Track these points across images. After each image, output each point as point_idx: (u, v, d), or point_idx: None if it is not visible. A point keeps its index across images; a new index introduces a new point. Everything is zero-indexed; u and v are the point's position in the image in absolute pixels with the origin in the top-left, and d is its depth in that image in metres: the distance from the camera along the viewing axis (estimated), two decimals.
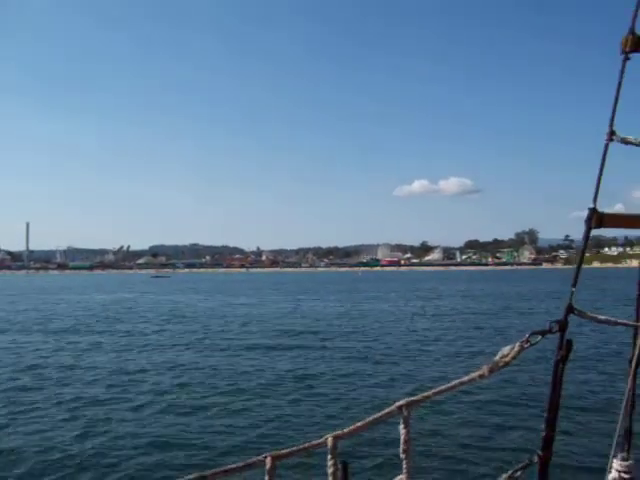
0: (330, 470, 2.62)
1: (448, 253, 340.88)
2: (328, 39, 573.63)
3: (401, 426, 2.66)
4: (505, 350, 2.61)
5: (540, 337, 2.63)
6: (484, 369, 2.60)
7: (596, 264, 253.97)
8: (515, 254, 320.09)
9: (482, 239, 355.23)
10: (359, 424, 2.65)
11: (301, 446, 2.62)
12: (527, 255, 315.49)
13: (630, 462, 3.14)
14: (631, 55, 2.53)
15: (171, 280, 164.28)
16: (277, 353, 26.67)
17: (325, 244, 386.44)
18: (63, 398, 17.79)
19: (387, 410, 2.65)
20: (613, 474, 3.10)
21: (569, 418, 14.03)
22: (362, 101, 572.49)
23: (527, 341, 2.62)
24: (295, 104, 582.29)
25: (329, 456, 2.62)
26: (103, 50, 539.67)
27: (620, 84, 2.53)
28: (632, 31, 2.50)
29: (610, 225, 2.64)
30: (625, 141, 2.58)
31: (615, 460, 3.14)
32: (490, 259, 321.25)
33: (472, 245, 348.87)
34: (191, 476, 2.46)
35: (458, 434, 13.77)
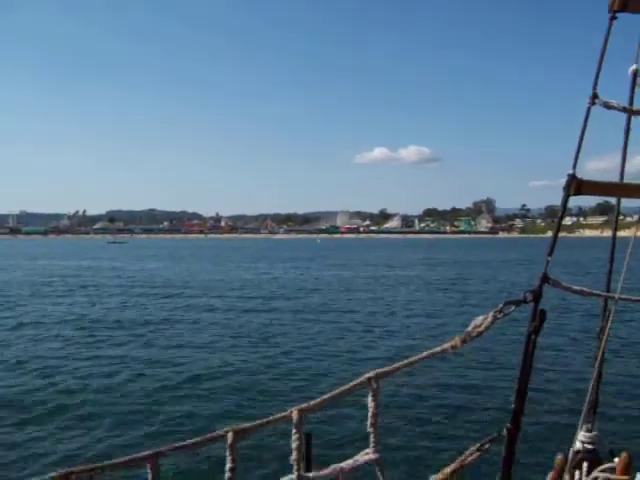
0: (295, 444, 2.51)
1: (407, 221, 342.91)
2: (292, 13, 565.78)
3: (369, 398, 2.57)
4: (478, 320, 2.53)
5: (514, 307, 2.55)
6: (456, 340, 2.51)
7: (550, 234, 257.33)
8: (473, 223, 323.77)
9: (440, 207, 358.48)
10: (326, 396, 2.55)
11: (265, 420, 2.51)
12: (484, 224, 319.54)
13: (594, 433, 3.13)
14: (618, 15, 2.41)
15: (129, 246, 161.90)
16: (239, 322, 26.56)
17: (285, 210, 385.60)
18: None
19: (355, 382, 2.55)
20: (577, 445, 3.09)
21: (539, 390, 13.95)
22: (324, 70, 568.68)
23: (500, 311, 2.54)
24: (257, 75, 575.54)
25: (294, 430, 2.51)
26: None
27: (605, 45, 2.41)
28: None
29: (588, 192, 2.55)
30: (607, 105, 2.48)
31: (580, 432, 3.12)
32: (448, 227, 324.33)
33: (431, 213, 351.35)
34: (146, 452, 2.33)
35: (427, 407, 13.65)
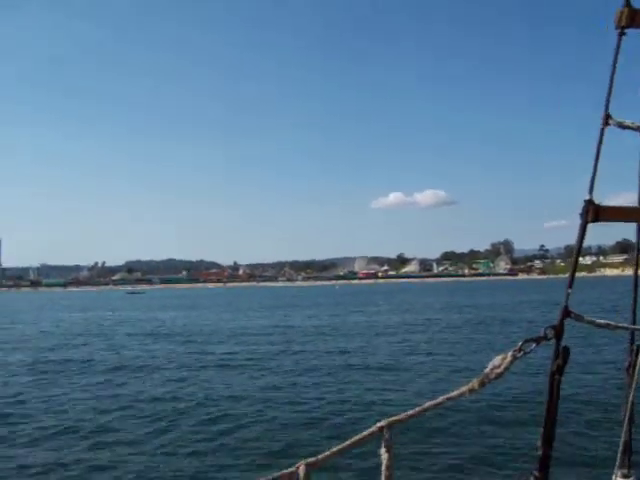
0: None
1: (425, 265, 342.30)
2: (299, 54, 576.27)
3: (382, 449, 2.38)
4: (496, 361, 2.35)
5: (534, 345, 2.37)
6: (474, 382, 2.33)
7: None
8: (491, 265, 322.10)
9: (458, 250, 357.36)
10: (334, 449, 2.36)
11: (268, 477, 2.31)
12: (503, 265, 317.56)
13: (631, 479, 2.92)
14: (627, 31, 2.28)
15: (146, 296, 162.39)
16: (254, 372, 26.17)
17: (303, 257, 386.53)
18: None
19: (366, 432, 2.36)
20: None
21: (567, 433, 13.42)
22: (336, 114, 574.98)
23: (520, 350, 2.36)
24: (274, 118, 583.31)
25: None
26: None
27: (615, 63, 2.29)
28: (628, 3, 2.26)
29: (607, 218, 2.39)
30: (622, 125, 2.34)
31: (616, 478, 2.92)
32: (467, 270, 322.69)
33: (448, 256, 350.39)
34: None
35: (446, 457, 12.94)
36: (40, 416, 17.75)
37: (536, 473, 2.46)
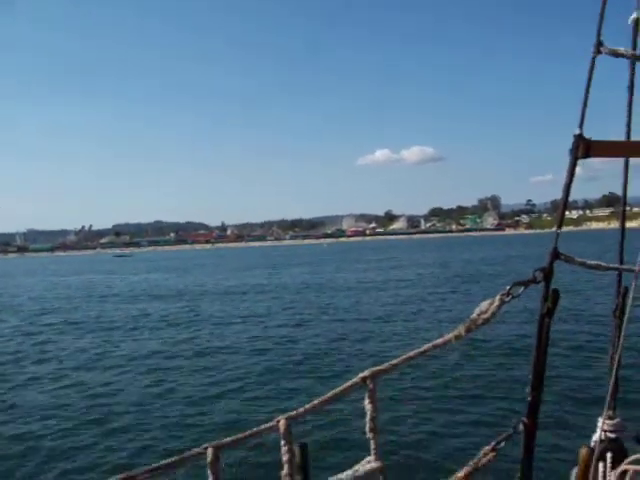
0: (285, 457, 2.23)
1: (412, 221, 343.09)
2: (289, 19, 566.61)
3: (366, 400, 2.29)
4: (484, 305, 2.24)
5: (523, 288, 2.28)
6: (460, 328, 2.23)
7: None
8: (479, 220, 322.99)
9: (445, 206, 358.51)
10: (316, 401, 2.26)
11: (248, 432, 2.23)
12: (490, 221, 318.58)
13: (617, 420, 2.88)
14: None
15: (134, 259, 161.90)
16: (247, 326, 26.26)
17: (290, 216, 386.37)
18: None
19: (349, 383, 2.26)
20: (598, 433, 2.84)
21: (555, 378, 13.42)
22: (322, 74, 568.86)
23: (508, 293, 2.25)
24: (256, 79, 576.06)
25: (282, 441, 2.24)
26: None
27: None
28: None
29: (598, 154, 2.27)
30: (615, 53, 2.21)
31: (601, 419, 2.87)
32: (454, 226, 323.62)
33: (436, 212, 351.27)
34: (119, 476, 2.07)
35: (432, 406, 12.81)
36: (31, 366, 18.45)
37: (525, 419, 2.40)
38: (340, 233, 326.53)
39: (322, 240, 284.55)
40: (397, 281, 47.87)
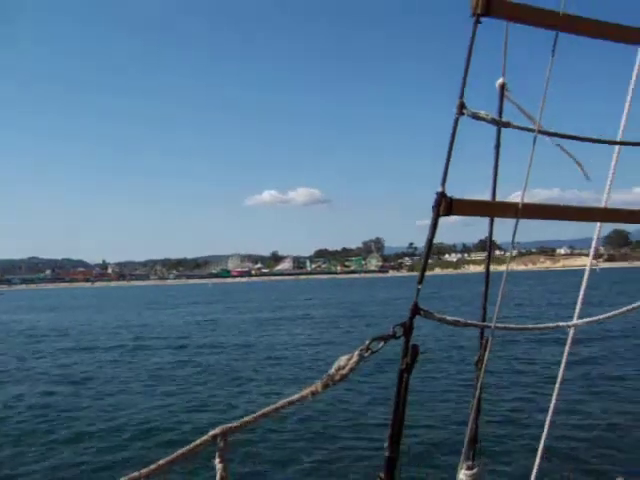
0: None
1: (298, 262, 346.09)
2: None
3: (216, 460, 2.17)
4: (342, 360, 2.20)
5: (383, 343, 2.26)
6: (317, 385, 2.17)
7: (438, 270, 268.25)
8: (363, 262, 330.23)
9: (331, 248, 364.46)
10: (161, 461, 2.12)
11: None
12: (374, 263, 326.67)
13: (475, 470, 2.92)
14: (482, 19, 2.23)
15: (5, 297, 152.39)
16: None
17: (174, 255, 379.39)
18: None
19: (198, 441, 2.13)
20: None
21: (414, 428, 13.31)
22: (209, 108, 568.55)
23: (367, 349, 2.23)
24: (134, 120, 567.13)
25: None
26: None
27: (470, 52, 2.22)
28: None
29: (460, 212, 2.31)
30: (476, 116, 2.27)
31: (461, 470, 2.90)
32: (339, 267, 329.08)
33: (322, 254, 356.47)
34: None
35: (286, 465, 12.23)
36: None
37: (382, 475, 2.36)
38: (225, 273, 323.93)
39: (207, 280, 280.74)
40: (280, 321, 47.74)
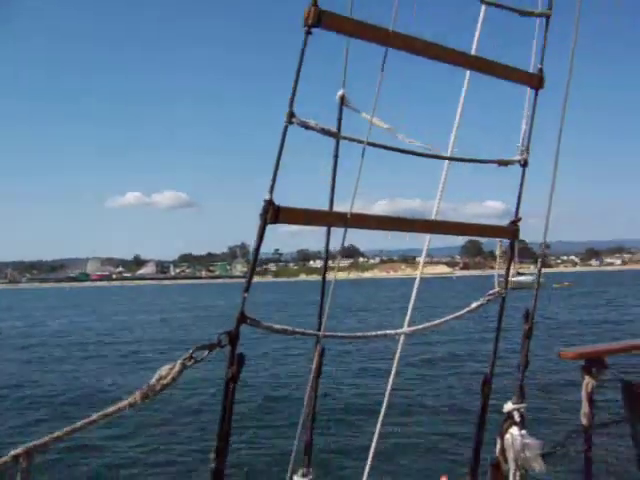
0: None
1: (162, 267, 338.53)
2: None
3: None
4: (163, 371, 2.13)
5: (207, 352, 2.21)
6: (136, 395, 2.08)
7: (303, 276, 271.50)
8: (228, 267, 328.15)
9: (196, 253, 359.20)
10: None
11: None
12: (240, 268, 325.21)
13: (310, 477, 2.95)
14: (313, 30, 2.26)
15: None
16: None
17: (28, 258, 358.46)
18: None
19: None
20: None
21: (244, 442, 13.17)
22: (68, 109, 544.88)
23: (191, 358, 2.17)
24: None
25: None
26: None
27: (301, 62, 2.24)
28: (315, 2, 2.24)
29: (288, 221, 2.33)
30: (305, 125, 2.30)
31: (295, 477, 2.92)
32: (204, 272, 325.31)
33: (186, 259, 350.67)
34: None
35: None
36: None
37: None
38: (84, 277, 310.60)
39: (65, 284, 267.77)
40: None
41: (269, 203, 2.24)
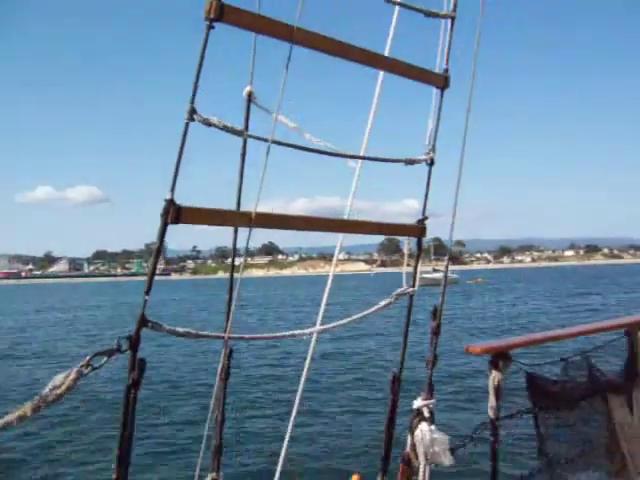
0: None
1: (75, 264, 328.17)
2: None
3: None
4: (57, 379, 2.00)
5: (106, 358, 2.10)
6: (25, 407, 1.93)
7: (221, 274, 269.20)
8: (145, 264, 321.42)
9: (111, 249, 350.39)
10: None
11: None
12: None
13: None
14: (215, 24, 2.19)
15: None
16: None
17: None
18: None
19: None
20: None
21: (148, 450, 12.71)
22: None
23: (87, 365, 2.06)
24: None
25: None
26: None
27: (202, 57, 2.17)
28: None
29: (190, 221, 2.26)
30: (207, 122, 2.23)
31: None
32: (119, 269, 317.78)
33: (101, 255, 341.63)
34: None
35: None
36: None
37: None
38: None
39: None
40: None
41: (170, 203, 2.16)
